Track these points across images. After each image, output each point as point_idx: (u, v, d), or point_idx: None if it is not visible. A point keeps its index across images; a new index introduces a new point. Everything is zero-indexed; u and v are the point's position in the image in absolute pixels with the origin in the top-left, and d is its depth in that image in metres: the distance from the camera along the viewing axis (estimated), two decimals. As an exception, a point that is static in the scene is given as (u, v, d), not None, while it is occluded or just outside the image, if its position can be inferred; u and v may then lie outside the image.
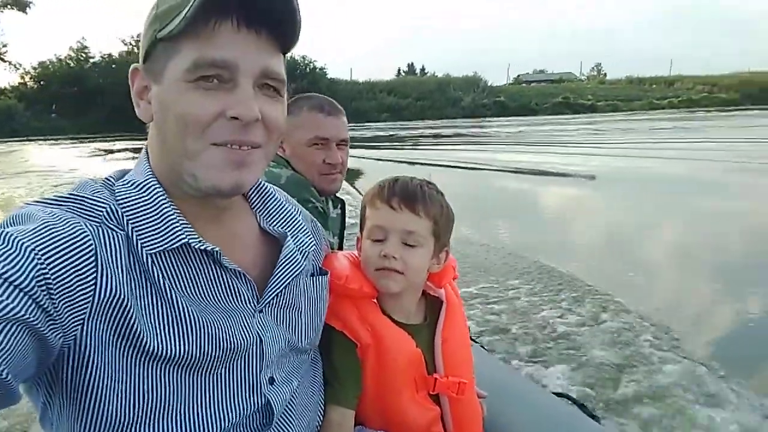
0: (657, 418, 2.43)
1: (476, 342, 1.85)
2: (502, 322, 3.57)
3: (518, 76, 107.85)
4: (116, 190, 0.77)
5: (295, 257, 0.89)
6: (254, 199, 0.93)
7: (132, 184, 0.78)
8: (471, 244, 5.46)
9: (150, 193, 0.77)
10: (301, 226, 0.96)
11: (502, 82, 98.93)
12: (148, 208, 0.75)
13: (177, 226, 0.75)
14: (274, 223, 0.92)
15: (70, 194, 0.74)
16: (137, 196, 0.76)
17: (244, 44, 0.71)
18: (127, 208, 0.75)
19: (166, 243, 0.74)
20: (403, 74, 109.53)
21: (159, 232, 0.74)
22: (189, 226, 0.77)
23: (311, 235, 0.98)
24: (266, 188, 0.95)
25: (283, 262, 0.87)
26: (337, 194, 1.81)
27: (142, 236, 0.73)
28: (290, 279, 0.88)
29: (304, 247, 0.93)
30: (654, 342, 3.21)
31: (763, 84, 69.96)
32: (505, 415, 1.22)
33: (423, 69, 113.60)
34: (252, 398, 0.82)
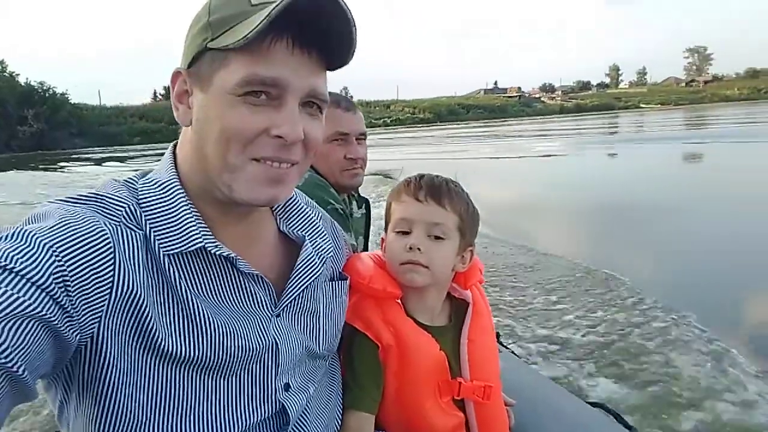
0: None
1: (506, 348, 1.79)
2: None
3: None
4: (138, 189, 0.75)
5: (313, 261, 0.86)
6: None
7: (155, 184, 0.76)
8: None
9: (171, 193, 0.75)
10: (320, 231, 0.93)
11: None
12: (167, 209, 0.73)
13: (194, 229, 0.73)
14: (294, 226, 0.90)
15: (91, 193, 0.72)
16: (158, 196, 0.74)
17: (296, 64, 0.69)
18: (147, 208, 0.73)
19: (183, 245, 0.72)
20: (160, 96, 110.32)
21: (177, 234, 0.72)
22: (207, 229, 0.74)
23: (330, 240, 0.96)
24: None
25: (301, 266, 0.84)
26: (361, 193, 1.75)
27: (161, 237, 0.72)
28: (308, 283, 0.85)
29: (322, 252, 0.91)
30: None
31: (447, 106, 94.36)
32: (535, 424, 1.15)
33: None
34: (267, 403, 0.79)
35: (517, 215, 7.35)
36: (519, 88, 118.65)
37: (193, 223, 0.73)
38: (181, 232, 0.72)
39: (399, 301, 1.02)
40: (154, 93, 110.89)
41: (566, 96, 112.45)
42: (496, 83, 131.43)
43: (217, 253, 0.74)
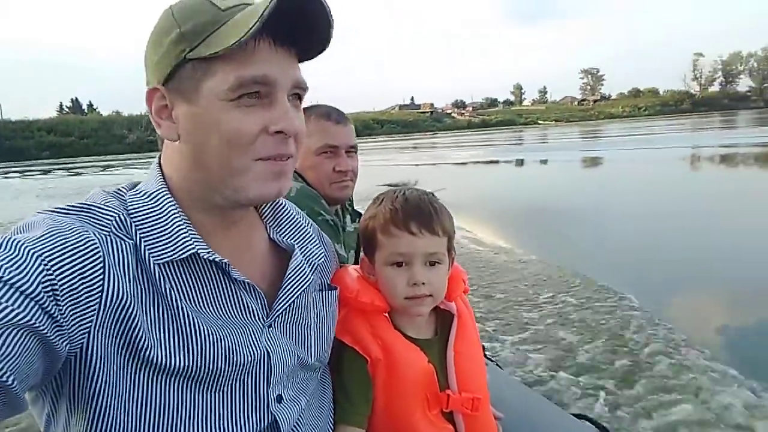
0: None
1: (492, 361, 1.75)
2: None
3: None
4: (127, 200, 0.74)
5: (303, 270, 0.84)
6: (265, 209, 0.88)
7: (143, 194, 0.74)
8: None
9: (161, 202, 0.73)
10: (310, 238, 0.92)
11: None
12: (158, 218, 0.72)
13: (186, 236, 0.71)
14: (284, 234, 0.88)
15: (80, 203, 0.70)
16: (148, 206, 0.73)
17: (280, 60, 0.71)
18: (137, 217, 0.72)
19: (175, 253, 0.70)
20: (67, 110, 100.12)
21: (168, 242, 0.71)
22: (198, 236, 0.73)
23: (321, 246, 0.94)
24: (277, 199, 0.89)
25: (292, 275, 0.82)
26: (355, 207, 1.70)
27: (151, 245, 0.70)
28: (299, 292, 0.83)
29: (313, 259, 0.89)
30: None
31: (363, 122, 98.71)
32: None
33: (91, 105, 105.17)
34: (258, 416, 0.76)
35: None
36: (432, 104, 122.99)
37: (185, 230, 0.72)
38: (172, 240, 0.71)
39: (386, 314, 1.00)
40: (60, 106, 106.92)
41: (474, 112, 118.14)
42: (412, 99, 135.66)
43: (210, 258, 0.72)
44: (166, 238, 0.72)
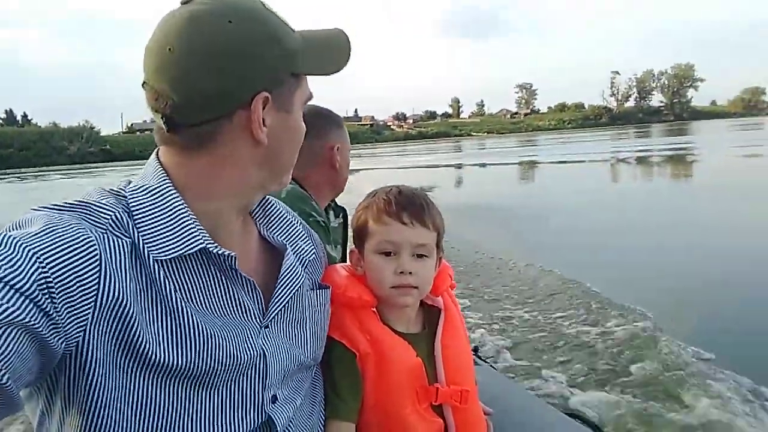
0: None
1: (485, 361, 1.75)
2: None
3: (132, 125, 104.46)
4: (128, 196, 0.72)
5: (296, 269, 0.85)
6: (255, 207, 0.88)
7: (143, 190, 0.73)
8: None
9: (165, 198, 0.72)
10: (300, 233, 0.93)
11: (117, 130, 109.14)
12: (162, 213, 0.71)
13: (194, 231, 0.71)
14: (275, 231, 0.89)
15: (77, 201, 0.69)
16: (150, 202, 0.72)
17: None
18: (138, 214, 0.70)
19: (183, 247, 0.70)
20: (1, 122, 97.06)
21: (173, 238, 0.70)
22: (205, 231, 0.72)
23: (310, 242, 0.94)
24: (266, 198, 0.90)
25: (285, 275, 0.83)
26: (338, 202, 1.72)
27: (152, 243, 0.69)
28: (294, 291, 0.83)
29: (303, 255, 0.90)
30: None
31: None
32: None
33: (26, 116, 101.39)
34: (253, 416, 0.76)
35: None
36: (373, 116, 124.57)
37: (193, 225, 0.72)
38: (179, 236, 0.70)
39: (374, 309, 0.99)
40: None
41: (414, 124, 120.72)
42: (356, 111, 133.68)
43: (218, 252, 0.72)
44: (172, 234, 0.70)
